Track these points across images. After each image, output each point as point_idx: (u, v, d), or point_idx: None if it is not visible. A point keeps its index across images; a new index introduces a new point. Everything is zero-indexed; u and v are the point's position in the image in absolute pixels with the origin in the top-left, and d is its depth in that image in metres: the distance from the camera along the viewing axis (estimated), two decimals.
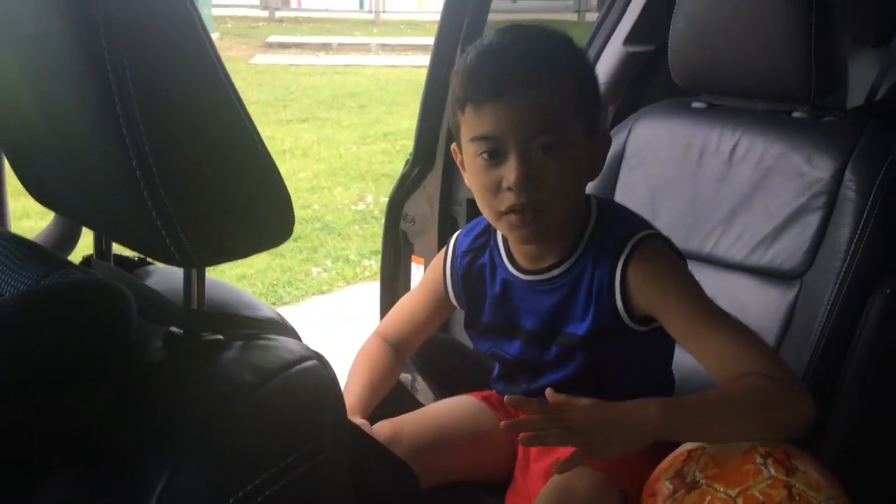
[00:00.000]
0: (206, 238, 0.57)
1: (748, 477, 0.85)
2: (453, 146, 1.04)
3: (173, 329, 0.62)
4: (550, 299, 1.03)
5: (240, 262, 4.18)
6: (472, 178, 0.99)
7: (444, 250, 1.15)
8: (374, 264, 3.77)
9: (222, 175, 0.57)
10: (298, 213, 4.35)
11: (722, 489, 0.85)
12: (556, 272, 1.03)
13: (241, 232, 0.59)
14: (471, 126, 0.95)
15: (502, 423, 0.87)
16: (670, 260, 1.01)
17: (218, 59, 0.57)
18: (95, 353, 0.57)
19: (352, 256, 3.95)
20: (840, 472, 0.92)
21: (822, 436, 1.14)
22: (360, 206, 4.65)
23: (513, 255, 1.06)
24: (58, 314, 0.55)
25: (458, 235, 1.14)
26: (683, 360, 1.29)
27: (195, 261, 0.57)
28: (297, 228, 4.23)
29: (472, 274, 1.10)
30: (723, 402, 0.90)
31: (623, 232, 1.01)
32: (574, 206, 1.01)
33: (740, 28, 1.29)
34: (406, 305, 1.20)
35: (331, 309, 3.41)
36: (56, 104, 0.60)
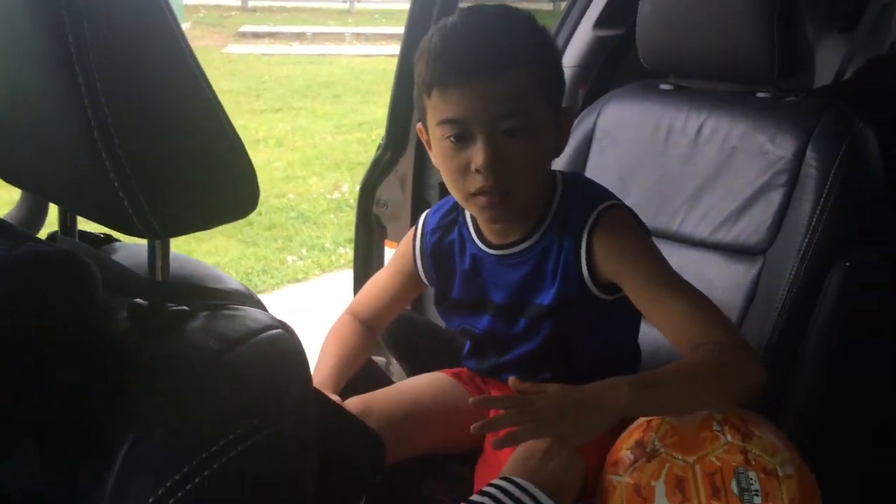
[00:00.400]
0: (169, 209, 0.57)
1: (705, 444, 0.88)
2: (419, 126, 1.05)
3: (138, 300, 0.62)
4: (518, 272, 1.05)
5: (213, 250, 4.14)
6: (440, 160, 1.00)
7: (413, 228, 1.16)
8: (350, 252, 3.76)
9: (185, 147, 0.57)
10: (273, 202, 4.40)
11: (680, 457, 0.87)
12: (523, 246, 1.05)
13: (204, 203, 0.59)
14: (437, 110, 0.96)
15: (473, 426, 0.84)
16: (634, 229, 1.03)
17: (180, 31, 0.57)
18: (59, 324, 0.57)
19: (327, 245, 3.95)
20: (799, 440, 0.94)
21: (782, 405, 1.17)
22: (336, 195, 4.64)
23: (481, 230, 1.08)
24: (22, 285, 0.55)
25: (426, 214, 1.16)
26: (650, 334, 1.31)
27: (159, 232, 0.57)
28: (272, 217, 4.22)
29: (442, 250, 1.11)
30: (683, 375, 0.92)
31: (588, 202, 1.03)
32: (541, 184, 1.03)
33: (706, 12, 1.31)
34: (376, 283, 1.21)
35: (306, 297, 3.41)
36: (19, 81, 0.60)
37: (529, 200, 1.01)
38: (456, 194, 1.02)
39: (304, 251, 3.87)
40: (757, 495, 0.84)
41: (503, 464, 0.99)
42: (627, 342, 1.15)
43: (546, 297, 1.04)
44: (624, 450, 0.93)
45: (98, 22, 0.53)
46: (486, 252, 1.07)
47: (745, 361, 0.92)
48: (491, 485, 0.91)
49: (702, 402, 0.91)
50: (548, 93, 0.99)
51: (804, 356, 1.18)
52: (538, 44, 0.99)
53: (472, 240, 1.09)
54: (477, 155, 0.94)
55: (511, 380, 0.87)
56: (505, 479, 0.91)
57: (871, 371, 1.21)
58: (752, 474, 0.85)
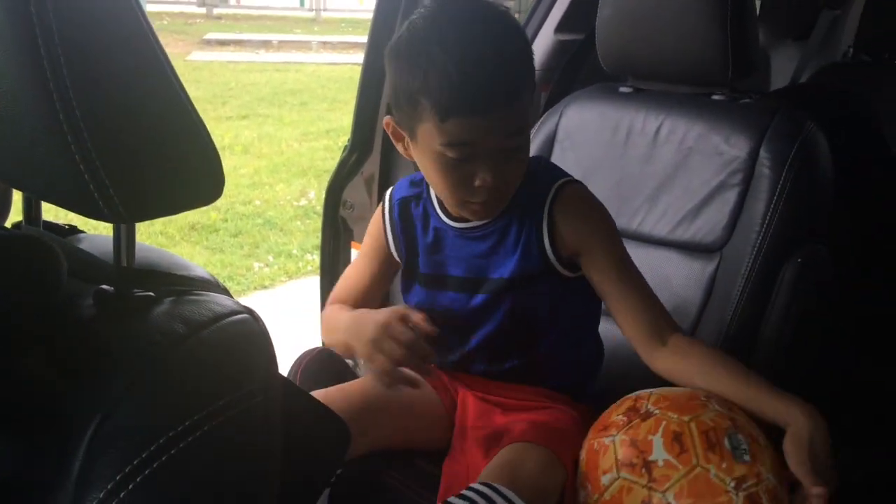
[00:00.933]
0: (134, 194, 0.58)
1: (697, 408, 0.93)
2: (387, 119, 1.05)
3: (103, 287, 0.62)
4: (480, 246, 1.08)
5: (179, 255, 4.12)
6: (433, 169, 1.00)
7: (380, 206, 1.17)
8: (317, 258, 3.76)
9: (151, 131, 0.58)
10: (239, 209, 4.38)
11: (675, 416, 0.92)
12: (486, 220, 1.07)
13: (170, 188, 0.60)
14: (446, 133, 0.95)
15: None
16: (596, 202, 1.09)
17: (145, 18, 0.58)
18: (24, 311, 0.58)
19: (294, 251, 3.94)
20: None
21: None
22: (303, 202, 4.62)
23: (444, 204, 1.09)
24: None
25: (391, 190, 1.17)
26: (611, 331, 1.34)
27: (124, 216, 0.58)
28: (238, 224, 4.20)
29: (408, 222, 1.13)
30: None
31: (548, 179, 1.08)
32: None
33: (663, 17, 1.35)
34: (354, 269, 1.22)
35: (273, 303, 3.40)
36: None
37: None
38: (448, 199, 1.04)
39: (270, 258, 3.86)
40: (746, 454, 0.89)
41: (472, 462, 1.00)
42: (589, 331, 1.17)
43: (506, 271, 1.06)
44: (615, 416, 0.97)
45: (64, 9, 0.54)
46: (448, 225, 1.10)
47: None
48: (471, 489, 0.91)
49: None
50: (530, 94, 1.02)
51: (760, 348, 1.22)
52: (527, 55, 1.00)
53: (436, 213, 1.11)
54: (484, 174, 0.97)
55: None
56: (486, 484, 0.92)
57: (823, 360, 1.26)
58: (740, 436, 0.91)
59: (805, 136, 1.30)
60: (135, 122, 0.57)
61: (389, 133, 1.06)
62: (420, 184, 1.13)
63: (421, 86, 0.95)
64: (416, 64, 0.95)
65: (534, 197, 1.06)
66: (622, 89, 1.49)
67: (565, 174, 1.10)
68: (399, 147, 1.06)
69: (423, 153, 1.01)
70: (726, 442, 0.90)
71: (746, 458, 0.89)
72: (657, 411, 0.94)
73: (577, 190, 1.08)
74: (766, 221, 1.25)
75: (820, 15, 2.34)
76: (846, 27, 2.40)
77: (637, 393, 1.00)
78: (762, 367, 1.23)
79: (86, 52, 0.55)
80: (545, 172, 1.10)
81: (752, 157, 1.30)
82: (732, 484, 0.87)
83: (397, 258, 1.16)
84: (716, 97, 1.39)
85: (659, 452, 0.90)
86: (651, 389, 0.99)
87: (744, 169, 1.30)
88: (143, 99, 0.58)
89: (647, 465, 0.90)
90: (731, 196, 1.31)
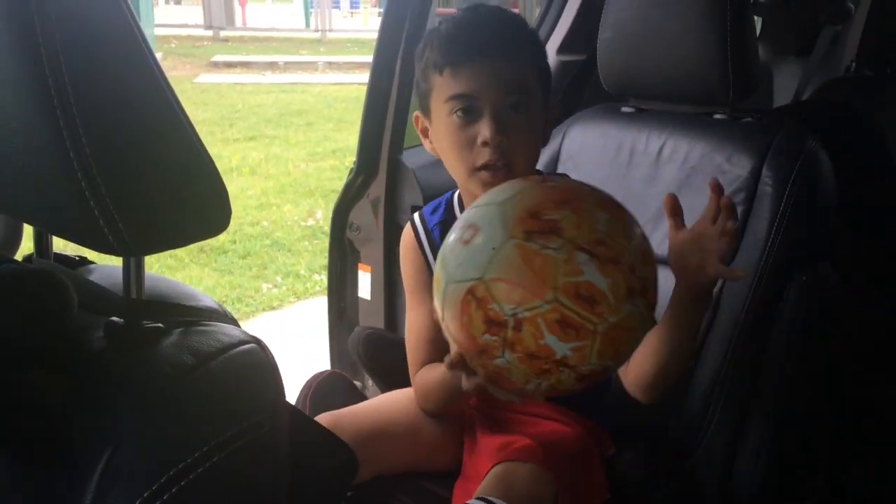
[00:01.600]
0: (144, 227, 0.59)
1: (546, 275, 0.80)
2: (416, 114, 1.11)
3: (113, 318, 0.64)
4: None
5: (188, 279, 4.12)
6: (446, 137, 1.05)
7: (409, 239, 1.18)
8: (325, 279, 3.77)
9: (159, 165, 0.60)
10: (247, 230, 4.40)
11: (539, 304, 0.80)
12: None
13: (178, 221, 0.61)
14: (447, 87, 1.03)
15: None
16: None
17: (151, 54, 0.60)
18: (35, 343, 0.59)
19: (302, 272, 3.95)
20: (765, 458, 0.98)
21: (749, 411, 1.20)
22: (310, 223, 4.65)
23: (461, 190, 1.13)
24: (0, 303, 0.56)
25: (421, 214, 1.19)
26: None
27: (134, 249, 0.59)
28: (247, 245, 4.22)
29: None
30: None
31: None
32: (534, 165, 1.10)
33: (663, 39, 1.37)
34: (413, 322, 1.17)
35: (282, 324, 3.41)
36: None
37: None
38: (459, 170, 1.06)
39: (278, 279, 3.87)
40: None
41: (482, 475, 1.01)
42: None
43: None
44: (481, 337, 0.83)
45: (72, 45, 0.56)
46: None
47: None
48: None
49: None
50: (540, 82, 1.08)
51: (766, 368, 1.22)
52: (534, 38, 1.11)
53: None
54: (484, 128, 1.01)
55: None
56: (481, 499, 0.93)
57: (830, 378, 1.26)
58: (594, 263, 0.81)
59: (807, 154, 1.30)
60: (143, 156, 0.59)
61: (418, 129, 1.12)
62: (439, 207, 1.17)
63: (426, 51, 1.05)
64: (427, 40, 1.06)
65: None
66: (624, 109, 1.51)
67: None
68: (426, 144, 1.11)
69: (436, 129, 1.07)
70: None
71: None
72: (519, 311, 0.80)
73: None
74: (770, 240, 1.26)
75: (821, 31, 2.35)
76: (848, 42, 2.42)
77: (462, 301, 0.84)
78: (767, 387, 1.23)
79: (95, 88, 0.56)
80: None
81: (755, 176, 1.30)
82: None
83: None
84: (717, 116, 1.40)
85: (561, 348, 0.80)
86: (470, 288, 0.83)
87: (746, 188, 1.31)
88: (151, 133, 0.59)
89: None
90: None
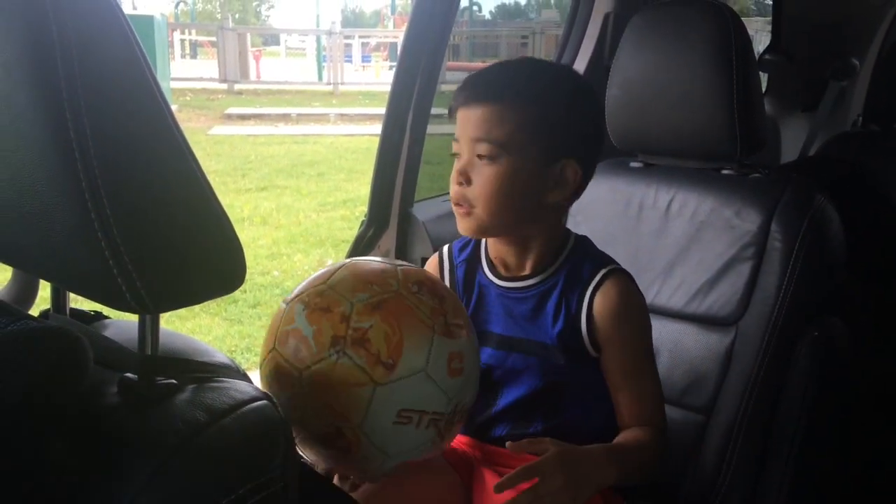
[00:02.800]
0: (160, 285, 0.60)
1: (273, 323, 0.93)
2: None
3: (128, 375, 0.64)
4: (520, 307, 1.11)
5: (198, 329, 4.10)
6: None
7: (432, 268, 1.19)
8: None
9: (176, 225, 0.61)
10: (257, 279, 4.42)
11: (363, 296, 0.89)
12: (528, 282, 1.11)
13: (194, 278, 0.63)
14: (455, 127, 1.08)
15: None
16: (636, 299, 1.11)
17: (172, 116, 0.61)
18: (51, 400, 0.59)
19: None
20: (783, 496, 0.97)
21: (763, 468, 1.19)
22: None
23: (492, 261, 1.15)
24: (16, 360, 0.57)
25: (450, 248, 1.20)
26: None
27: (150, 307, 0.60)
28: (257, 295, 4.23)
29: (467, 279, 1.17)
30: (640, 454, 1.05)
31: (596, 261, 1.11)
32: (509, 215, 1.07)
33: (670, 96, 1.39)
34: None
35: None
36: (17, 164, 0.64)
37: (497, 225, 1.08)
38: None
39: None
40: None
41: None
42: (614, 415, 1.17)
43: (544, 336, 1.09)
44: (324, 354, 0.87)
45: (96, 107, 0.58)
46: (491, 281, 1.14)
47: (664, 449, 1.08)
48: None
49: (641, 475, 1.05)
50: (539, 136, 1.04)
51: (779, 423, 1.21)
52: (547, 89, 1.07)
53: (483, 269, 1.15)
54: (454, 169, 1.06)
55: (508, 443, 0.95)
56: None
57: (844, 433, 1.24)
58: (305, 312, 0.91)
59: (816, 209, 1.31)
60: (161, 216, 0.60)
61: None
62: (468, 245, 1.18)
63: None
64: None
65: (579, 273, 1.09)
66: (633, 164, 1.52)
67: (612, 260, 1.13)
68: None
69: None
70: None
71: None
72: (357, 321, 0.89)
73: (623, 282, 1.10)
74: (781, 295, 1.26)
75: (827, 86, 2.38)
76: (854, 97, 2.45)
77: (276, 333, 0.94)
78: (782, 442, 1.22)
79: (116, 150, 0.58)
80: (594, 252, 1.14)
81: (764, 231, 1.31)
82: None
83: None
84: (725, 172, 1.41)
85: (414, 356, 0.88)
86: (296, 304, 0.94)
87: (756, 243, 1.31)
88: (169, 193, 0.61)
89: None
90: (744, 269, 1.32)
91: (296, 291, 0.94)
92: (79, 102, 0.57)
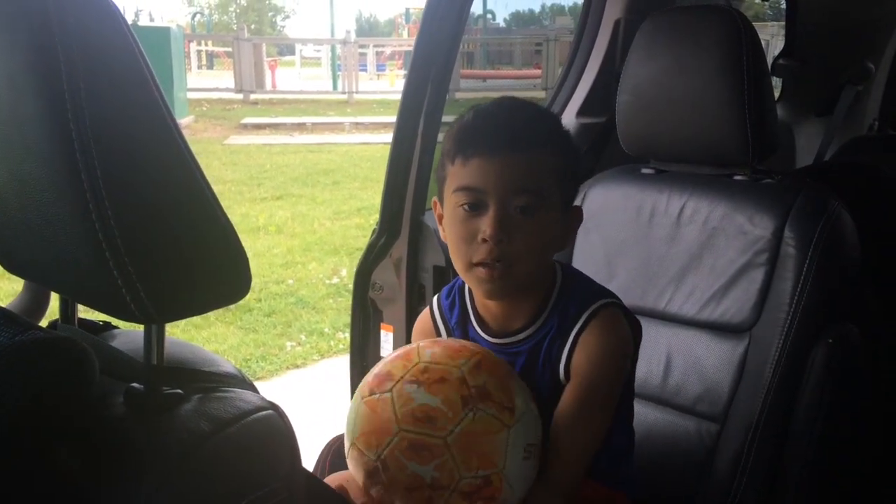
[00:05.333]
0: (165, 295, 0.60)
1: (386, 412, 0.94)
2: (434, 200, 1.09)
3: (134, 385, 0.64)
4: (513, 362, 1.06)
5: (212, 337, 4.14)
6: (450, 228, 1.03)
7: (425, 324, 1.15)
8: (349, 336, 3.77)
9: (180, 235, 0.61)
10: (272, 288, 4.44)
11: (388, 439, 0.93)
12: (520, 336, 1.06)
13: (199, 289, 0.63)
14: (457, 177, 1.01)
15: None
16: (615, 341, 1.05)
17: (178, 129, 0.62)
18: (58, 410, 0.59)
19: (326, 330, 3.96)
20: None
21: (777, 478, 1.17)
22: (335, 280, 4.68)
23: (481, 316, 1.10)
24: (24, 371, 0.58)
25: (439, 307, 1.15)
26: (645, 413, 1.32)
27: (155, 317, 0.60)
28: (271, 303, 4.25)
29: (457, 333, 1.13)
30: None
31: (582, 300, 1.06)
32: (540, 270, 1.05)
33: (681, 102, 1.38)
34: None
35: (306, 382, 3.41)
36: (24, 175, 0.64)
37: (526, 282, 1.03)
38: (458, 263, 1.03)
39: (302, 337, 3.89)
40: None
41: None
42: (622, 419, 1.14)
43: (541, 390, 1.04)
44: (371, 490, 0.94)
45: (101, 121, 0.58)
46: (483, 338, 1.09)
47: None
48: None
49: None
50: (562, 185, 1.03)
51: (794, 432, 1.20)
52: (560, 138, 1.05)
53: (473, 325, 1.11)
54: (486, 224, 0.98)
55: None
56: None
57: (857, 442, 1.22)
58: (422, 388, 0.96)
59: (830, 215, 1.29)
60: (165, 228, 0.61)
61: (436, 216, 1.09)
62: (454, 302, 1.13)
63: (446, 139, 1.04)
64: (449, 128, 1.05)
65: (565, 317, 1.05)
66: (644, 170, 1.51)
67: (599, 294, 1.08)
68: (441, 231, 1.07)
69: (446, 218, 1.04)
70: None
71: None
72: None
73: (604, 323, 1.04)
74: (794, 301, 1.25)
75: (842, 91, 2.36)
76: (870, 102, 2.42)
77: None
78: (797, 450, 1.20)
79: (121, 163, 0.59)
80: (579, 290, 1.08)
81: (777, 237, 1.30)
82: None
83: None
84: (738, 178, 1.40)
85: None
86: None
87: (769, 249, 1.30)
88: (174, 205, 0.61)
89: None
90: (757, 276, 1.30)
91: (379, 383, 0.96)
92: (83, 113, 0.57)
